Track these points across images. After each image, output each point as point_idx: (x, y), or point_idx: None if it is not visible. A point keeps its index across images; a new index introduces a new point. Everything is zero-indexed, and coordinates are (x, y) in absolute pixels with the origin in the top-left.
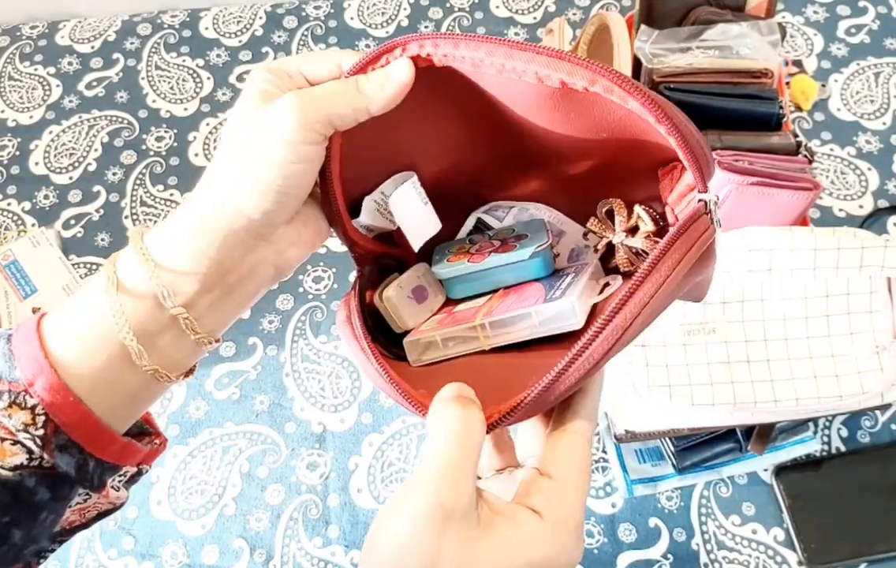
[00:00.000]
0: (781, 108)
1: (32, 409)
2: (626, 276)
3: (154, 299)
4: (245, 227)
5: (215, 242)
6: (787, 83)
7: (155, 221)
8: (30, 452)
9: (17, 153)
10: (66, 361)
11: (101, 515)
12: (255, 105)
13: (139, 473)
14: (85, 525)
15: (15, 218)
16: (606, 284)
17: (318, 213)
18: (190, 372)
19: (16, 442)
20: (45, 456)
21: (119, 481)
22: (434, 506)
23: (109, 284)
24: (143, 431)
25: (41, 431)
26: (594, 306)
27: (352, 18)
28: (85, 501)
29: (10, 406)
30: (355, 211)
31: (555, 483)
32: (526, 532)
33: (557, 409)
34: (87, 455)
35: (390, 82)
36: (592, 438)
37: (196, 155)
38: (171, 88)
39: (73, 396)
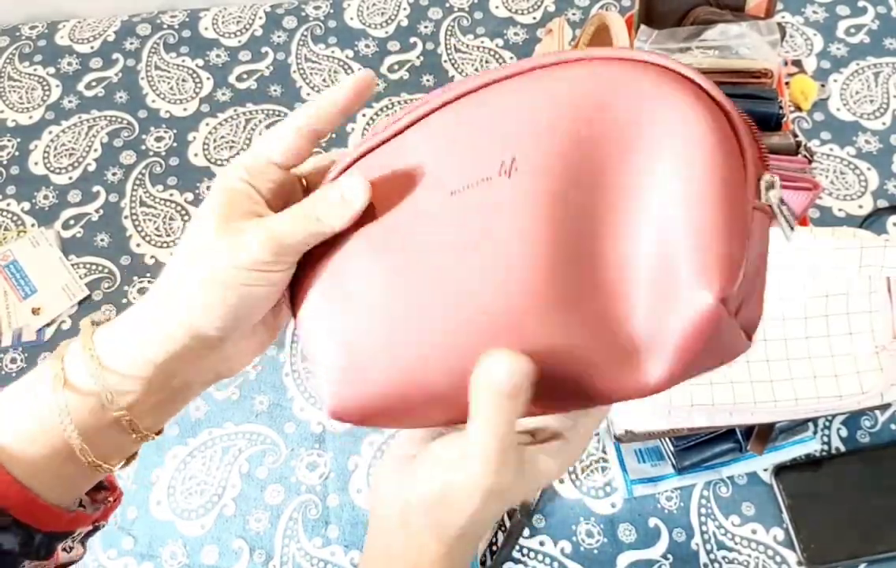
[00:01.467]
0: (781, 108)
1: None
2: None
3: (98, 398)
4: (199, 342)
5: (163, 352)
6: (787, 83)
7: (154, 222)
8: None
9: (17, 153)
10: (11, 451)
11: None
12: (218, 231)
13: (95, 529)
14: None
15: (14, 218)
16: None
17: (261, 326)
18: (132, 457)
19: None
20: None
21: (71, 543)
22: (496, 486)
23: (56, 380)
24: (99, 485)
25: None
26: None
27: (351, 18)
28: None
29: None
30: None
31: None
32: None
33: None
34: (32, 531)
35: (347, 208)
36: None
37: (195, 155)
38: (171, 88)
39: (19, 484)
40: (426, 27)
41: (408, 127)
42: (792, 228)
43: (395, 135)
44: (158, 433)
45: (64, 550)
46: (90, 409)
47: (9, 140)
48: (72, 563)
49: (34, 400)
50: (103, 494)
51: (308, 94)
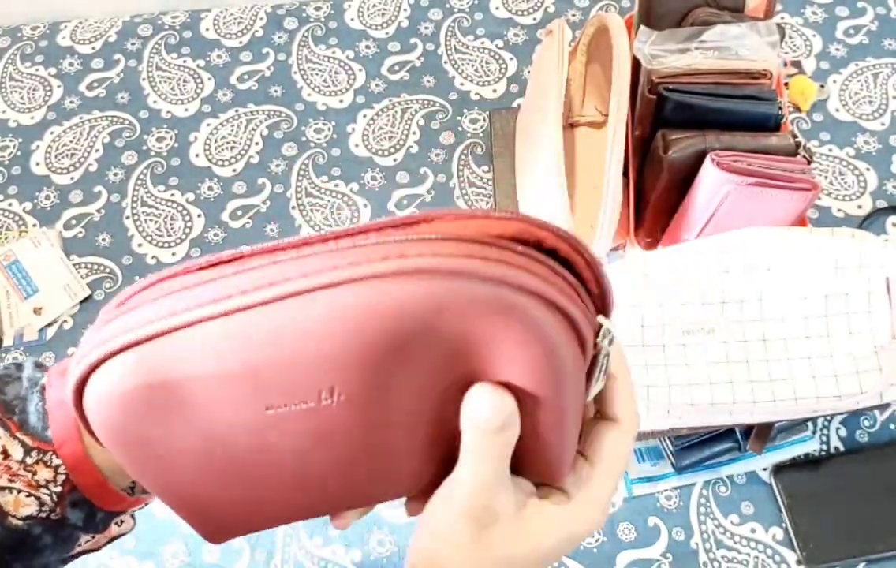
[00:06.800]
0: (780, 108)
1: (56, 468)
2: None
3: None
4: None
5: None
6: (786, 84)
7: (155, 222)
8: (41, 504)
9: (19, 153)
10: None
11: (112, 539)
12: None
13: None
14: (95, 550)
15: (16, 218)
16: None
17: None
18: None
19: (30, 494)
20: (58, 509)
21: (124, 517)
22: (475, 535)
23: None
24: None
25: (59, 489)
26: None
27: (352, 19)
28: (93, 537)
29: (37, 463)
30: None
31: (591, 467)
32: (554, 514)
33: (600, 401)
34: (96, 509)
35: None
36: (635, 432)
37: (197, 155)
38: (172, 89)
39: (94, 466)
40: (426, 28)
41: (207, 319)
42: (605, 376)
43: (193, 323)
44: None
45: (116, 524)
46: None
47: (10, 140)
48: (121, 534)
49: None
50: None
51: (309, 95)
